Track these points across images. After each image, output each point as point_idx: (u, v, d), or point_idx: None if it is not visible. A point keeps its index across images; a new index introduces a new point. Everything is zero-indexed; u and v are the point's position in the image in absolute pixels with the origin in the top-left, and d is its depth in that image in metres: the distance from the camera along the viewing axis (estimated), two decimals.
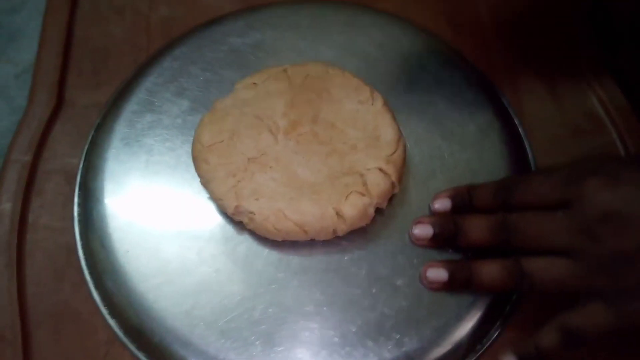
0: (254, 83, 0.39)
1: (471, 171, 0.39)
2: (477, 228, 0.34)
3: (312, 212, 0.34)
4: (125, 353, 0.35)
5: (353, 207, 0.35)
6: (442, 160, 0.39)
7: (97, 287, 0.36)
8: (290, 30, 0.44)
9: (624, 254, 0.29)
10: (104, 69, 0.45)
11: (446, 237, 0.35)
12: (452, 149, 0.40)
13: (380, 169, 0.36)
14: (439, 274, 0.34)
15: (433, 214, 0.37)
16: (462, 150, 0.40)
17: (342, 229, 0.35)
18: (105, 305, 0.36)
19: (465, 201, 0.35)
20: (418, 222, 0.36)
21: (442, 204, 0.36)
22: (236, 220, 0.36)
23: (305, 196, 0.35)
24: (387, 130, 0.37)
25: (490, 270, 0.33)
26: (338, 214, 0.35)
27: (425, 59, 0.44)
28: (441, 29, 0.47)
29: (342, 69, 0.40)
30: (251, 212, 0.35)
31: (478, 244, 0.34)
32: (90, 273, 0.37)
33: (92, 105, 0.44)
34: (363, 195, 0.35)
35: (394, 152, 0.37)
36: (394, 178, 0.36)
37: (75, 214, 0.39)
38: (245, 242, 0.36)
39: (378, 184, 0.35)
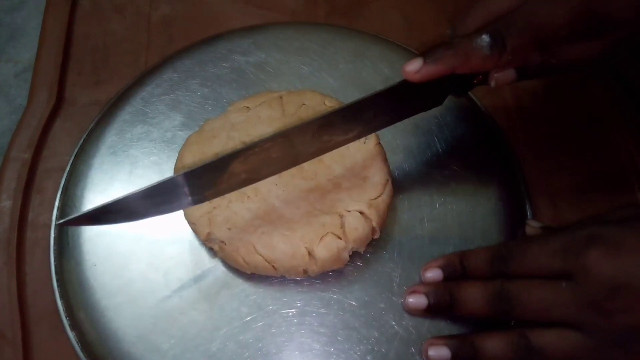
0: (247, 107, 0.38)
1: (460, 224, 0.37)
2: (474, 299, 0.32)
3: (283, 249, 0.33)
4: None
5: (326, 250, 0.33)
6: (432, 209, 0.37)
7: (62, 296, 0.36)
8: (295, 54, 0.43)
9: (638, 328, 0.28)
10: (104, 68, 0.45)
11: (441, 308, 0.33)
12: (444, 199, 0.38)
13: (362, 213, 0.34)
14: (441, 353, 0.32)
15: (424, 282, 0.35)
16: (454, 201, 0.37)
17: (314, 270, 0.34)
18: (67, 316, 0.35)
19: (457, 271, 0.33)
20: (412, 292, 0.34)
21: (433, 275, 0.34)
22: (208, 246, 0.35)
23: (278, 231, 0.33)
24: (375, 172, 0.36)
25: (495, 347, 0.31)
26: (310, 254, 0.33)
27: None
28: None
29: (339, 102, 0.38)
30: (222, 241, 0.34)
31: (475, 315, 0.32)
32: (57, 281, 0.36)
33: (92, 103, 0.43)
34: (339, 238, 0.33)
35: (379, 196, 0.35)
36: (374, 223, 0.34)
37: (54, 217, 0.39)
38: (215, 270, 0.35)
39: (356, 228, 0.34)
